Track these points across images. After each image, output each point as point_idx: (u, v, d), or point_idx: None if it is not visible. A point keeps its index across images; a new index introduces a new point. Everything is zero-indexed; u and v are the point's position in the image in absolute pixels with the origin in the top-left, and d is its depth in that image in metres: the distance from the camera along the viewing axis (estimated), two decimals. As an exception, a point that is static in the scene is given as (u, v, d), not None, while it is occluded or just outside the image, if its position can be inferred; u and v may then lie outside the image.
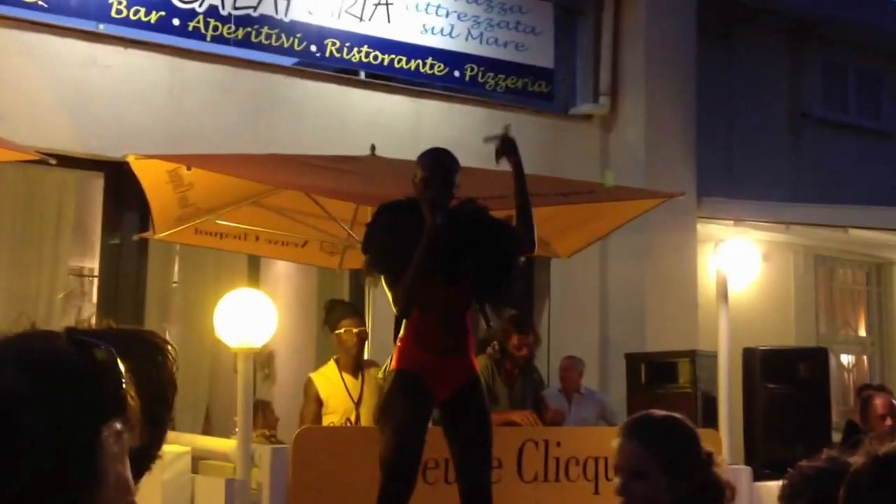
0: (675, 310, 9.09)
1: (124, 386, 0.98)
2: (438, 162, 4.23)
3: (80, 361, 0.94)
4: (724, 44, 10.41)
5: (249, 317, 5.36)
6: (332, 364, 6.09)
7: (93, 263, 7.95)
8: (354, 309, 6.42)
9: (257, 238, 6.98)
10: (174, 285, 8.11)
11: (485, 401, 4.33)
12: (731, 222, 9.54)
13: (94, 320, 7.76)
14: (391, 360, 4.33)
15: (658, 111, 9.46)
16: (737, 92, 10.47)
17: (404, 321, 4.22)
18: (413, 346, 4.19)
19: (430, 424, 4.35)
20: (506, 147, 4.34)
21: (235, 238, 6.91)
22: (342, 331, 5.99)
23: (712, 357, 8.22)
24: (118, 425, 0.96)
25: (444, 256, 4.15)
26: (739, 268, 9.60)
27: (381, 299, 5.54)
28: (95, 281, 7.92)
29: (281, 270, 8.85)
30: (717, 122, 10.12)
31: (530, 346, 6.43)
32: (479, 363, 6.36)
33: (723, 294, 9.24)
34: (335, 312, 6.17)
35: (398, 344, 4.25)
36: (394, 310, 4.19)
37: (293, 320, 8.23)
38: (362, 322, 6.20)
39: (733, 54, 10.49)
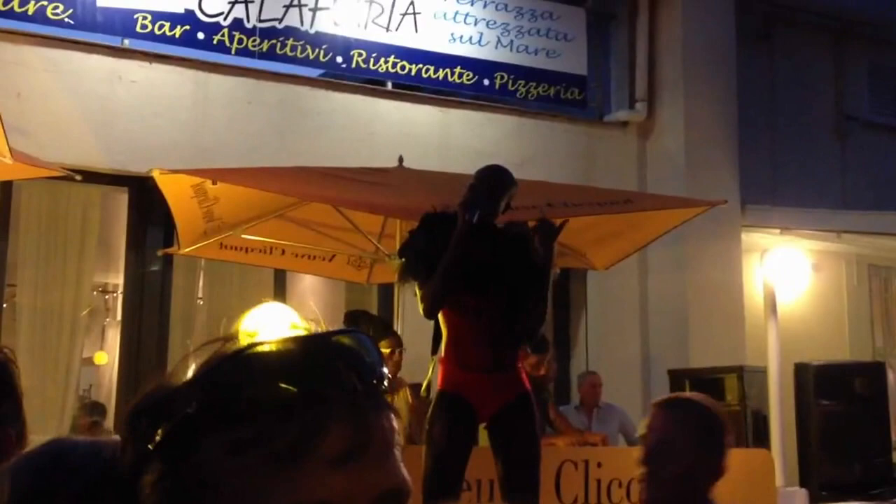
0: (720, 323, 9.10)
1: None
2: (490, 171, 4.47)
3: None
4: (765, 45, 10.43)
5: (275, 332, 5.68)
6: (360, 382, 6.26)
7: (117, 279, 8.20)
8: (387, 326, 6.53)
9: (283, 252, 7.20)
10: (199, 301, 8.40)
11: (534, 419, 4.39)
12: (778, 231, 9.56)
13: (118, 337, 8.13)
14: (431, 376, 4.49)
15: (697, 116, 9.51)
16: (780, 95, 10.46)
17: (443, 338, 4.36)
18: (453, 364, 4.33)
19: (475, 445, 4.48)
20: (545, 236, 4.36)
21: (261, 252, 7.13)
22: (386, 351, 6.03)
23: (761, 373, 8.29)
24: None
25: (473, 267, 4.31)
26: (788, 279, 9.61)
27: (410, 314, 5.67)
28: (119, 296, 8.17)
29: (308, 285, 9.07)
30: (760, 127, 10.14)
31: (551, 365, 6.56)
32: None
33: (771, 306, 9.27)
34: (365, 328, 6.35)
35: (439, 364, 4.40)
36: (420, 312, 4.43)
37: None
38: (400, 342, 6.31)
39: (775, 56, 10.49)
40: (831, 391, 8.19)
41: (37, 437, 1.61)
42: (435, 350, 4.51)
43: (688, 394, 2.64)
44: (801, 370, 8.31)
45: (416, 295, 4.41)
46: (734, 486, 5.87)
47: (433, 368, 4.52)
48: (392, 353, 6.15)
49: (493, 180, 4.43)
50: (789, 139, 10.50)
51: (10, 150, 5.08)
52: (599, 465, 5.42)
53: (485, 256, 4.35)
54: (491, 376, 4.32)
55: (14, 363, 1.94)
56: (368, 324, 6.37)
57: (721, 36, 9.74)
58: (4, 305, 7.83)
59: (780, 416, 8.44)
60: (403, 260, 4.46)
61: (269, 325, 6.06)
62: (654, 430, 2.59)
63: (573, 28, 9.41)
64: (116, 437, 0.76)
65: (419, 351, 5.33)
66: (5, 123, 4.85)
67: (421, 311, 4.38)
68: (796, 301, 9.92)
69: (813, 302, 10.16)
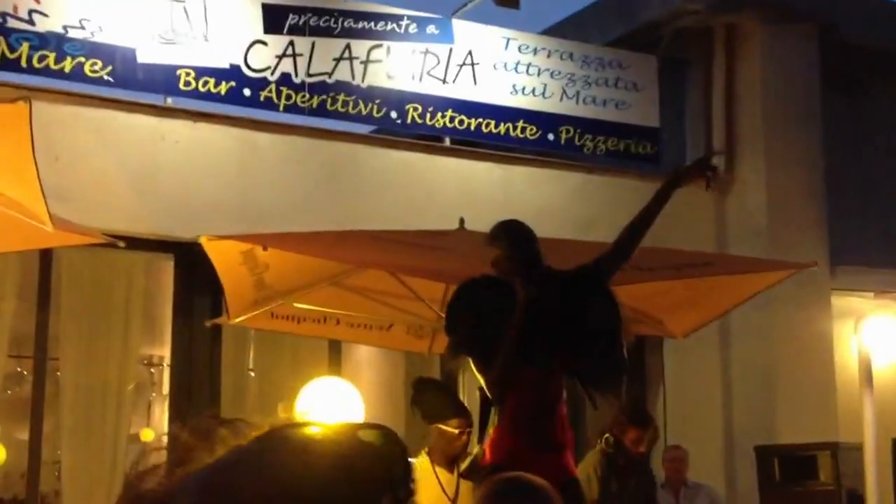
0: (810, 396, 9.01)
1: None
2: (515, 237, 4.49)
3: None
4: (853, 93, 10.33)
5: (333, 407, 5.62)
6: (423, 456, 6.18)
7: (163, 351, 8.27)
8: (459, 404, 6.42)
9: (338, 321, 7.20)
10: (250, 373, 8.42)
11: None
12: (872, 294, 9.53)
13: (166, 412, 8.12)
14: (480, 451, 4.49)
15: (781, 171, 9.46)
16: (871, 147, 10.38)
17: (492, 410, 4.41)
18: (510, 437, 4.32)
19: None
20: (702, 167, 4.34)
21: (314, 322, 7.12)
22: (455, 431, 5.99)
23: (857, 450, 8.23)
24: None
25: (531, 340, 4.31)
26: (884, 346, 9.51)
27: (475, 385, 5.67)
28: (166, 369, 8.24)
29: (364, 356, 9.05)
30: (849, 182, 10.04)
31: (651, 442, 6.51)
32: (591, 458, 6.48)
33: (867, 377, 9.17)
34: (435, 400, 6.26)
35: (491, 434, 4.40)
36: (488, 394, 4.40)
37: (379, 409, 8.43)
38: (470, 422, 6.16)
39: (864, 105, 10.38)
40: (936, 470, 8.02)
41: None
42: (484, 422, 4.47)
43: (534, 479, 2.40)
44: (901, 447, 8.16)
45: (473, 370, 4.41)
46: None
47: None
48: (461, 433, 6.02)
49: (521, 240, 4.48)
50: (882, 194, 10.40)
51: (51, 216, 5.08)
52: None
53: (537, 327, 4.33)
54: (545, 456, 4.31)
55: None
56: (436, 396, 6.30)
57: (805, 83, 9.69)
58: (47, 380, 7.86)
59: (878, 497, 8.29)
60: (453, 338, 4.48)
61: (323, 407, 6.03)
62: None
63: (644, 77, 9.35)
64: None
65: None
66: (44, 187, 4.86)
67: (489, 394, 4.37)
68: (894, 370, 9.73)
69: (913, 372, 9.92)
